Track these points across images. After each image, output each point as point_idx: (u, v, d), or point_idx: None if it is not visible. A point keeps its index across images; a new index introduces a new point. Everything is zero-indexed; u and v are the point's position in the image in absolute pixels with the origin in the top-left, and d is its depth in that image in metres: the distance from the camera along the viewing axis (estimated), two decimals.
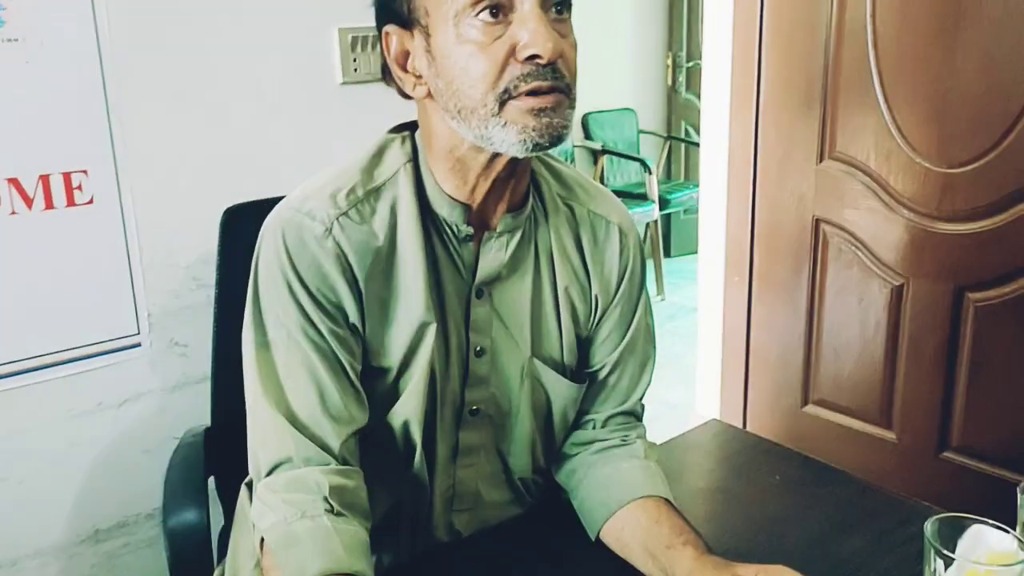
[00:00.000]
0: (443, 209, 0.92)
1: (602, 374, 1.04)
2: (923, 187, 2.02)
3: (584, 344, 1.03)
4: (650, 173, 4.04)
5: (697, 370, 2.68)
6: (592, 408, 1.05)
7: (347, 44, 1.62)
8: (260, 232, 0.93)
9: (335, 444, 0.88)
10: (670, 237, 4.55)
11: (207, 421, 1.30)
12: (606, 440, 1.04)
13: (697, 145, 4.56)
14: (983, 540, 0.80)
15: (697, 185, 4.37)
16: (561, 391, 1.01)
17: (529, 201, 0.97)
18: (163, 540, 1.07)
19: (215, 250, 1.28)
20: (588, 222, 1.01)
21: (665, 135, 4.68)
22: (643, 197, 4.04)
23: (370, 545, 0.87)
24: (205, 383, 1.56)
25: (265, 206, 1.30)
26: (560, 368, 1.01)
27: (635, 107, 4.51)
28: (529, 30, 0.80)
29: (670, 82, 4.63)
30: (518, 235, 0.96)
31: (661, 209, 4.10)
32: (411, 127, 0.97)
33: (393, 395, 0.93)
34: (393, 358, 0.92)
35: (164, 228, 1.52)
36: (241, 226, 1.27)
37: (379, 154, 0.95)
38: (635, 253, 1.03)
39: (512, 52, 0.81)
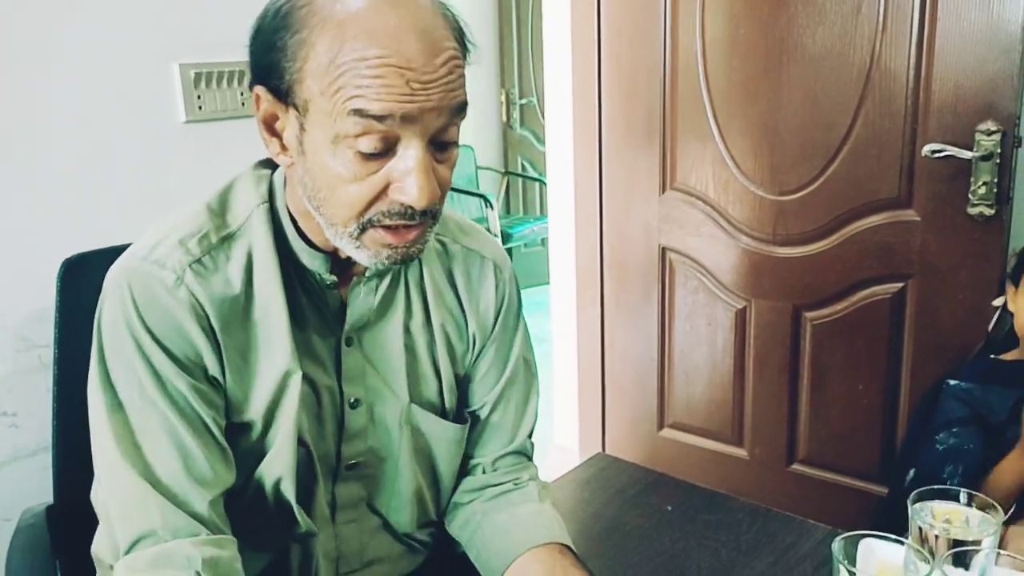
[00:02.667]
0: (304, 257, 0.87)
1: (484, 413, 1.01)
2: (758, 214, 2.14)
3: (463, 383, 1.00)
4: (491, 208, 4.08)
5: (554, 401, 2.70)
6: (479, 451, 1.02)
7: (190, 81, 1.52)
8: (104, 285, 0.85)
9: (203, 510, 0.80)
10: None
11: (44, 499, 1.17)
12: (498, 484, 1.01)
13: (534, 180, 4.67)
14: (874, 553, 0.83)
15: (537, 219, 4.47)
16: (442, 435, 0.97)
17: None
18: None
19: (47, 307, 1.15)
20: (461, 258, 0.98)
21: (503, 171, 4.75)
22: None
23: None
24: (39, 456, 1.40)
25: (109, 255, 1.19)
26: (440, 411, 0.97)
27: (472, 144, 4.55)
28: (410, 182, 0.76)
29: (505, 118, 4.71)
30: (387, 278, 0.92)
31: (503, 243, 4.14)
32: (273, 164, 0.91)
33: (260, 452, 0.87)
34: (256, 412, 0.86)
35: None
36: (82, 278, 1.15)
37: (226, 195, 0.88)
38: (511, 288, 1.01)
39: (386, 187, 0.77)
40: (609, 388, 2.55)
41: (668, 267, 2.34)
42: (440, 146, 0.79)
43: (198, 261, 0.83)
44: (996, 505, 0.86)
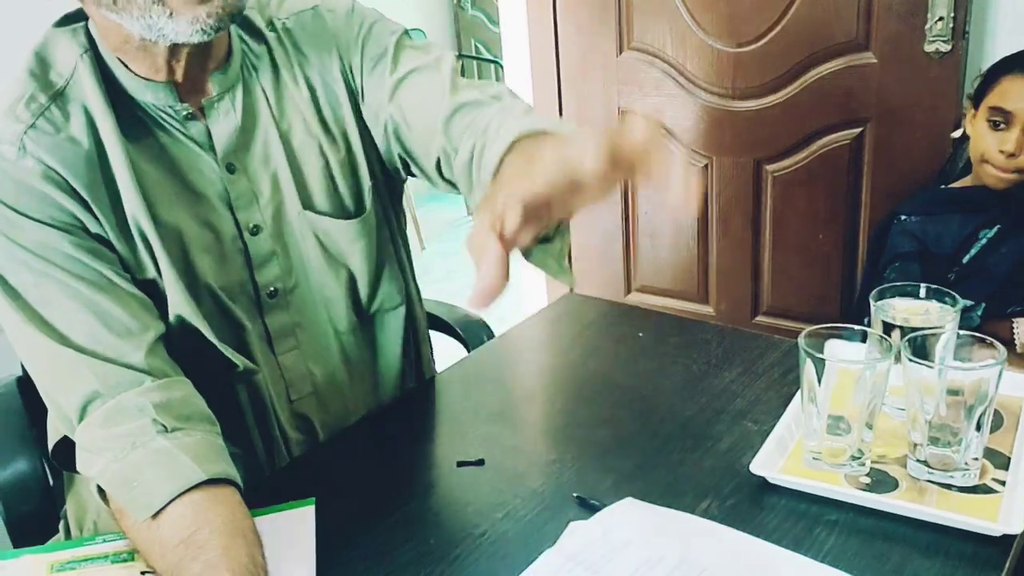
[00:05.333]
0: (146, 95, 0.85)
1: (400, 110, 0.91)
2: (716, 68, 2.11)
3: (375, 134, 0.96)
4: None
5: (521, 275, 2.71)
6: (427, 143, 0.89)
7: None
8: None
9: (139, 360, 0.80)
10: None
11: (10, 373, 1.16)
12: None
13: (490, 62, 4.56)
14: (838, 350, 0.86)
15: None
16: (342, 235, 0.95)
17: (234, 47, 0.90)
18: None
19: None
20: (293, 29, 0.94)
21: (456, 54, 4.63)
22: None
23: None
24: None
25: None
26: (339, 211, 0.95)
27: (422, 27, 4.42)
28: None
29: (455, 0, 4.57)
30: (239, 89, 0.90)
31: None
32: (79, 16, 0.87)
33: (166, 306, 0.87)
34: (150, 269, 0.85)
35: None
36: None
37: (43, 53, 0.85)
38: (347, 15, 0.95)
39: None
40: (575, 259, 2.56)
41: None
42: None
43: (32, 127, 0.80)
44: (954, 294, 0.89)
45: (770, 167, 2.13)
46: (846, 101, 1.97)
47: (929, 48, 1.81)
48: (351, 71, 0.95)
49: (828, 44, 1.94)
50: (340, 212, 0.96)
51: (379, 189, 0.99)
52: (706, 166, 2.21)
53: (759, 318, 2.27)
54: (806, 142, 2.06)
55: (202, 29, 0.77)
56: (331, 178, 0.95)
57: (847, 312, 2.08)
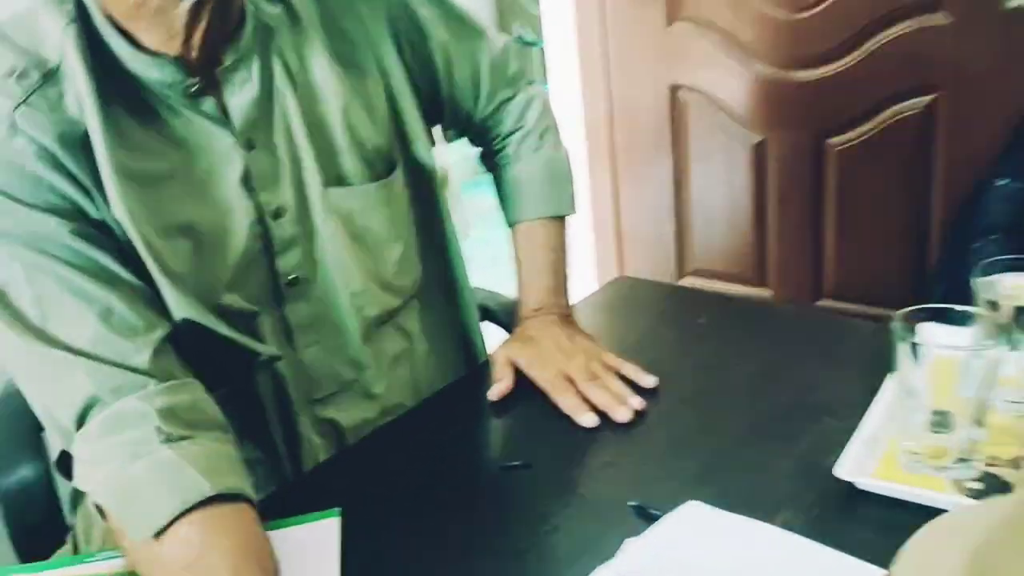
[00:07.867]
0: (151, 72, 0.76)
1: (450, 90, 1.00)
2: (774, 37, 1.99)
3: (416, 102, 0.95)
4: None
5: (569, 264, 2.61)
6: (475, 117, 1.04)
7: None
8: None
9: (143, 361, 0.71)
10: None
11: None
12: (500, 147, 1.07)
13: (532, 45, 4.45)
14: (932, 335, 0.75)
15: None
16: (366, 203, 0.88)
17: (247, 11, 0.81)
18: None
19: None
20: None
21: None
22: None
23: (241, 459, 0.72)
24: None
25: None
26: (363, 176, 0.88)
27: None
28: None
29: None
30: (254, 60, 0.81)
31: None
32: None
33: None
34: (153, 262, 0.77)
35: None
36: None
37: (31, 20, 0.76)
38: None
39: None
40: (627, 243, 2.47)
41: (679, 106, 2.20)
42: None
43: (25, 103, 0.72)
44: None
45: (832, 141, 2.00)
46: (915, 67, 1.83)
47: (1011, 3, 1.66)
48: (389, 48, 0.91)
49: (895, 5, 1.81)
50: (366, 177, 0.89)
51: (408, 168, 0.93)
52: (762, 141, 2.09)
53: (822, 301, 2.14)
54: (871, 113, 1.93)
55: None
56: (358, 143, 0.87)
57: (919, 294, 1.94)
